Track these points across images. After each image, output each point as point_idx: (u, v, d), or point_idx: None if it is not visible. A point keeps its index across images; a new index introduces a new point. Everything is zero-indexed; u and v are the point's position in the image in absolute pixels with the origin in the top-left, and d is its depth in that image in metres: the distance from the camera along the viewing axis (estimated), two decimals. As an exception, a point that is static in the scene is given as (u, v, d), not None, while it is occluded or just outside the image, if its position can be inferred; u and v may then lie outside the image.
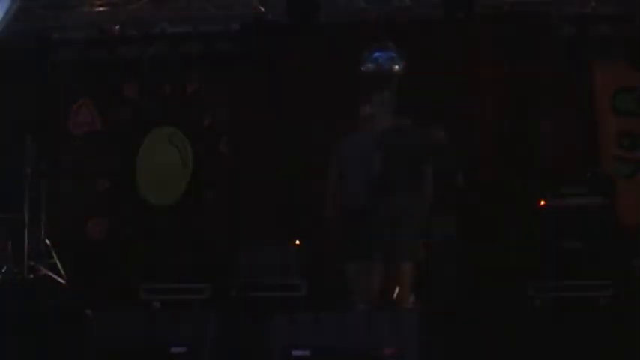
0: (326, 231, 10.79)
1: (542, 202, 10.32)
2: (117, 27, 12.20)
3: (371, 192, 8.99)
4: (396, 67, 10.48)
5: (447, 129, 9.63)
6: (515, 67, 11.32)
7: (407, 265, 8.86)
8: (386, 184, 8.94)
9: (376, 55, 10.68)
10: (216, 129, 12.13)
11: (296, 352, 7.60)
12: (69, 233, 11.76)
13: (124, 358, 8.02)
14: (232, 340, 8.67)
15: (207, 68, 12.15)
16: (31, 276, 10.68)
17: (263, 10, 11.61)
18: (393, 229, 8.85)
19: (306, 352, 7.56)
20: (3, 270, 10.44)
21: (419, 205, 8.94)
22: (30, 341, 8.63)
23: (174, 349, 8.11)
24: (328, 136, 11.26)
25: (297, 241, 10.72)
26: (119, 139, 12.28)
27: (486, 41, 11.45)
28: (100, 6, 11.77)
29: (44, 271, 10.74)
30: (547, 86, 11.27)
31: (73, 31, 12.36)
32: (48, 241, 10.97)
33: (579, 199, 10.26)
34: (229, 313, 9.25)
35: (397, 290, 8.77)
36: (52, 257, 10.86)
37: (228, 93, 12.04)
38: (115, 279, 11.03)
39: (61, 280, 10.69)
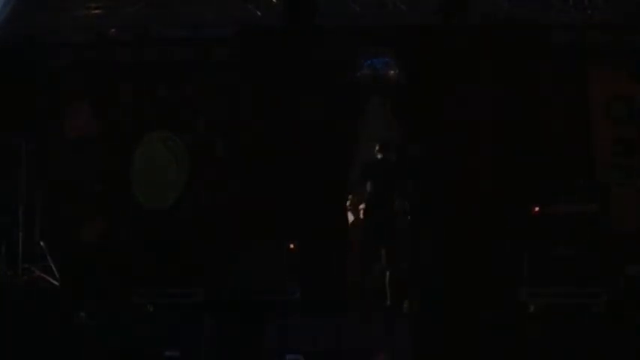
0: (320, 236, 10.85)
1: (537, 209, 10.33)
2: (113, 30, 12.18)
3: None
4: (392, 72, 10.47)
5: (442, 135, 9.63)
6: (512, 75, 11.32)
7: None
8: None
9: (372, 60, 10.67)
10: (211, 133, 12.11)
11: (289, 357, 7.61)
12: (64, 236, 11.73)
13: (118, 361, 8.03)
14: (226, 344, 8.66)
15: (203, 72, 12.14)
16: (25, 278, 10.67)
17: (259, 14, 11.61)
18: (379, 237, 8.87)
19: (299, 357, 7.57)
20: (-3, 272, 10.45)
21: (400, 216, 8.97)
22: (23, 343, 8.62)
23: (168, 353, 8.11)
24: (324, 140, 11.33)
25: (291, 246, 10.71)
26: (114, 142, 12.25)
27: (482, 48, 11.45)
28: (97, 9, 11.75)
29: (38, 273, 10.73)
30: (543, 94, 11.28)
31: (69, 33, 12.34)
32: (42, 244, 10.95)
33: (574, 205, 10.27)
34: (223, 317, 9.25)
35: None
36: (46, 260, 10.85)
37: (223, 97, 12.03)
38: (109, 282, 10.99)
39: (55, 283, 10.68)
